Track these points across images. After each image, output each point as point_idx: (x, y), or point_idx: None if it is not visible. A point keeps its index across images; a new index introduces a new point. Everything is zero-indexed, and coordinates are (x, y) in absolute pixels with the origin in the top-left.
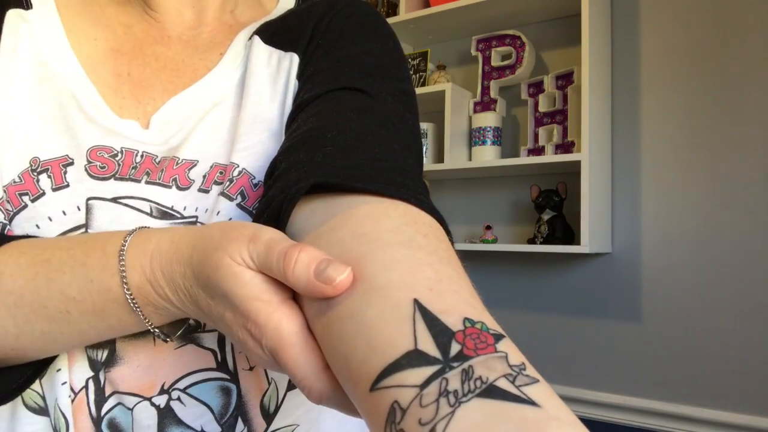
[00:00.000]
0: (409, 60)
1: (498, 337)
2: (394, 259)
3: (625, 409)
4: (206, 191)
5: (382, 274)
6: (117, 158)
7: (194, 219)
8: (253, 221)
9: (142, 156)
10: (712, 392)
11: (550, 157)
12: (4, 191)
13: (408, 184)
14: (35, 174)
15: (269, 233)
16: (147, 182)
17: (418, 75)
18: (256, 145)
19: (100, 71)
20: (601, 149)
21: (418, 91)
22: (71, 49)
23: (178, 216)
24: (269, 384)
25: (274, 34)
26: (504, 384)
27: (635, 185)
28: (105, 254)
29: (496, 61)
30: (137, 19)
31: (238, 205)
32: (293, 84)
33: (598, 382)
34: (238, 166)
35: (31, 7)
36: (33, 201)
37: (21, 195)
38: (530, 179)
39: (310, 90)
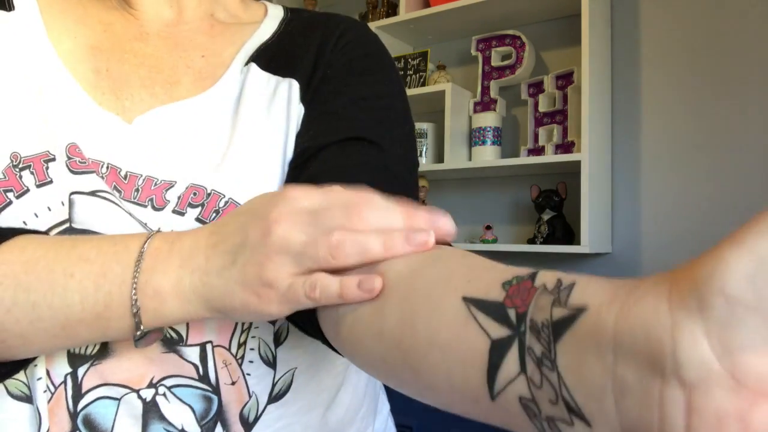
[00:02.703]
0: (409, 60)
1: (531, 276)
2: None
3: None
4: (181, 213)
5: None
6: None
7: None
8: None
9: (107, 168)
10: None
11: (550, 157)
12: None
13: None
14: (17, 170)
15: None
16: (123, 198)
17: (418, 75)
18: (246, 175)
19: (80, 68)
20: (601, 149)
21: (418, 91)
22: (52, 47)
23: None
24: (250, 397)
25: (271, 60)
26: (559, 313)
27: (635, 185)
28: (134, 235)
29: (496, 61)
30: (117, 17)
31: None
32: (296, 108)
33: None
34: (224, 196)
35: (13, 9)
36: (18, 197)
37: (6, 192)
38: (530, 179)
39: (322, 134)
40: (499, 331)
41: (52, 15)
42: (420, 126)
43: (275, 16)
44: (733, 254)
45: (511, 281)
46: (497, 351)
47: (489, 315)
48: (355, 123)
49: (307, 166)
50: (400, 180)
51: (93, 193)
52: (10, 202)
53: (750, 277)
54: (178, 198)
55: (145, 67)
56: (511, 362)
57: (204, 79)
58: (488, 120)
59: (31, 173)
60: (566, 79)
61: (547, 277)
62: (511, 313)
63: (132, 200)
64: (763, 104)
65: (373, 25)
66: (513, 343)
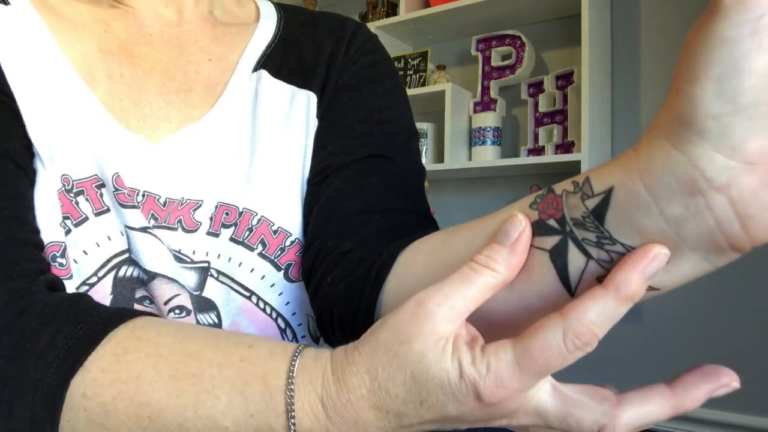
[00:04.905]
0: (409, 60)
1: (548, 190)
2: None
3: None
4: (215, 235)
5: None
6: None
7: (206, 264)
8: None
9: (143, 196)
10: None
11: (550, 157)
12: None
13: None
14: (72, 195)
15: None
16: (155, 226)
17: (418, 75)
18: (273, 190)
19: (94, 73)
20: (601, 149)
21: (418, 91)
22: (62, 52)
23: (188, 260)
24: None
25: (282, 66)
26: (592, 202)
27: None
28: (267, 388)
29: (496, 61)
30: (111, 15)
31: (260, 254)
32: (313, 123)
33: (598, 382)
34: (257, 214)
35: (9, 3)
36: (76, 226)
37: (64, 219)
38: (530, 179)
39: (341, 152)
40: (550, 241)
41: (48, 15)
42: (420, 126)
43: (269, 15)
44: (698, 87)
45: (535, 200)
46: (558, 255)
47: (535, 234)
48: (371, 140)
49: (329, 183)
50: (416, 191)
51: (144, 230)
52: (69, 230)
53: (719, 96)
54: (211, 219)
55: (156, 73)
56: (574, 257)
57: (214, 86)
58: (488, 120)
59: (87, 200)
60: (566, 79)
61: (563, 185)
62: (552, 223)
63: (162, 225)
64: None
65: (373, 25)
66: (567, 242)
